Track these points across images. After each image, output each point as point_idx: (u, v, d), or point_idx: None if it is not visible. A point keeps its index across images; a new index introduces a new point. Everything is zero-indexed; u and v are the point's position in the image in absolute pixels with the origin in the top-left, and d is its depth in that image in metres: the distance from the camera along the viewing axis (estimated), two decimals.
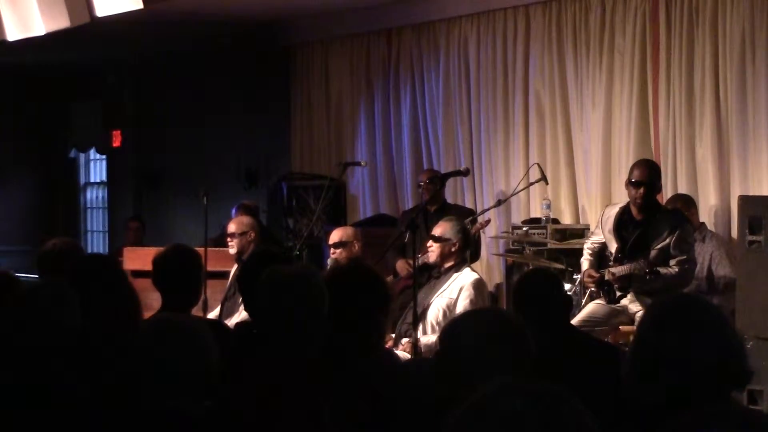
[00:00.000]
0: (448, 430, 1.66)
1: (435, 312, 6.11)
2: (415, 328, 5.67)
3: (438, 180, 7.72)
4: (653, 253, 6.18)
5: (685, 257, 6.21)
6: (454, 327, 2.73)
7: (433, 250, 6.26)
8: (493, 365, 2.55)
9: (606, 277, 6.34)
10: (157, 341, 2.97)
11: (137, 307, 4.21)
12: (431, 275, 6.45)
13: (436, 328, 5.99)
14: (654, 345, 2.43)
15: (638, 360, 2.45)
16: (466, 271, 6.24)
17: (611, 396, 2.96)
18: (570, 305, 4.75)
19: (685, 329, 2.41)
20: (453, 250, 6.25)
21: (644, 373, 2.43)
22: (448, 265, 6.27)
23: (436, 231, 6.33)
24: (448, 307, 6.08)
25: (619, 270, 6.31)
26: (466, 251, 6.38)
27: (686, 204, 7.07)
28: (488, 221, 7.82)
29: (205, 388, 2.97)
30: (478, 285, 6.21)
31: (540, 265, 7.24)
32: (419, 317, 5.96)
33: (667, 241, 6.17)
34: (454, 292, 6.12)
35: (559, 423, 1.62)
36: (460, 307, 6.05)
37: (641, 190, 6.25)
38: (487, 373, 2.51)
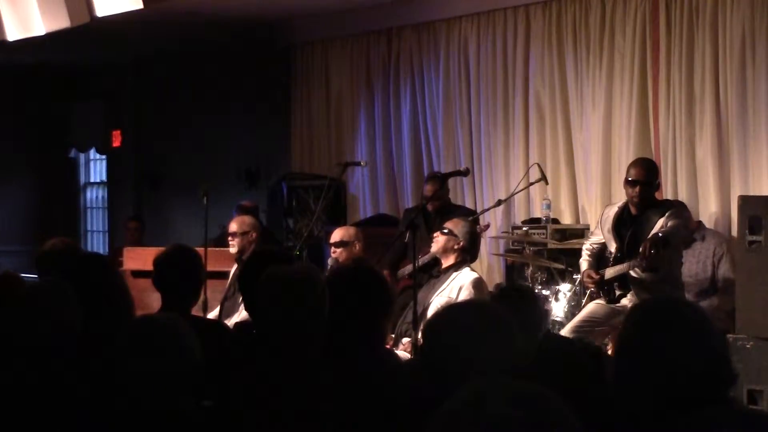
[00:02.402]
0: (434, 430, 1.65)
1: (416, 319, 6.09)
2: (416, 328, 5.67)
3: (439, 180, 7.72)
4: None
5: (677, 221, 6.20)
6: (435, 323, 2.70)
7: (438, 241, 6.27)
8: (477, 361, 2.53)
9: (606, 277, 6.35)
10: (137, 343, 2.97)
11: (132, 307, 4.21)
12: (431, 275, 6.45)
13: None
14: (640, 347, 2.42)
15: (625, 362, 2.45)
16: (466, 270, 6.24)
17: (595, 398, 2.94)
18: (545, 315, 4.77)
19: (671, 331, 2.41)
20: (456, 247, 6.26)
21: (631, 376, 2.42)
22: (447, 263, 6.27)
23: (449, 224, 6.36)
24: None
25: (609, 272, 6.32)
26: (468, 254, 6.38)
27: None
28: (488, 225, 7.81)
29: (191, 388, 2.97)
30: (478, 284, 6.21)
31: (541, 265, 7.24)
32: (419, 317, 5.96)
33: (660, 224, 6.17)
34: (454, 291, 6.12)
35: (545, 425, 1.62)
36: None
37: (637, 189, 6.27)
38: (470, 369, 2.49)
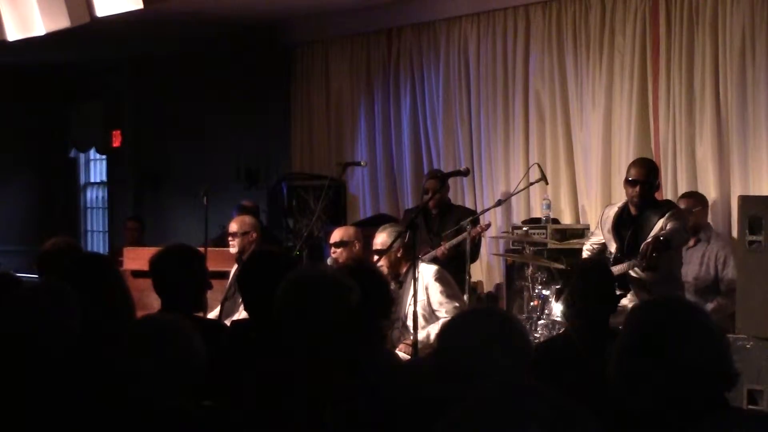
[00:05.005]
0: (447, 429, 1.66)
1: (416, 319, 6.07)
2: (415, 328, 5.67)
3: (439, 178, 7.73)
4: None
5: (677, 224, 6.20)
6: (452, 327, 2.73)
7: (382, 264, 6.22)
8: (492, 366, 2.55)
9: None
10: (138, 343, 2.97)
11: (132, 307, 4.21)
12: (399, 283, 6.42)
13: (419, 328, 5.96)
14: (642, 347, 2.42)
15: (626, 362, 2.44)
16: (421, 267, 6.20)
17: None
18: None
19: (673, 331, 2.41)
20: (399, 255, 6.26)
21: (633, 376, 2.42)
22: (403, 270, 6.27)
23: (376, 245, 6.33)
24: (423, 309, 6.06)
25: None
26: (409, 252, 6.32)
27: (698, 201, 7.09)
28: (488, 225, 7.80)
29: (192, 388, 2.97)
30: (440, 275, 6.21)
31: (541, 265, 7.23)
32: (403, 327, 6.00)
33: (660, 225, 6.18)
34: (421, 292, 6.10)
35: (564, 425, 1.62)
36: (435, 303, 6.13)
37: (638, 189, 6.27)
38: (485, 373, 2.50)
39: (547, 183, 7.95)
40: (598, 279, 4.38)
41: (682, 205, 7.05)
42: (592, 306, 4.31)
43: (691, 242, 6.97)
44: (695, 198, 7.14)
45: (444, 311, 6.11)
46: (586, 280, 4.38)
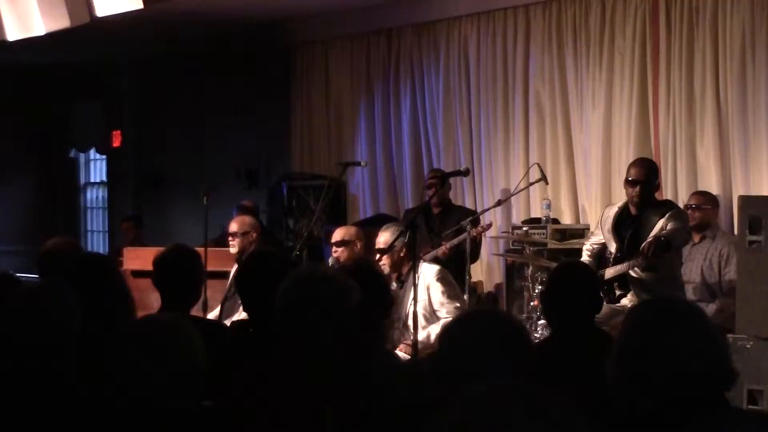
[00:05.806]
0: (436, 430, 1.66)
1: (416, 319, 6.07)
2: (415, 329, 5.67)
3: (440, 177, 7.75)
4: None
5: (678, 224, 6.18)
6: (453, 328, 2.73)
7: (384, 263, 6.21)
8: (493, 367, 2.55)
9: (606, 277, 6.35)
10: (138, 343, 2.97)
11: (132, 307, 4.22)
12: (401, 283, 6.43)
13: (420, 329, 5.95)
14: (640, 347, 2.42)
15: (625, 362, 2.44)
16: (423, 267, 6.19)
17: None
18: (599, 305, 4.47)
19: (670, 331, 2.41)
20: (402, 255, 6.25)
21: (631, 375, 2.42)
22: (405, 270, 6.27)
23: (379, 243, 6.31)
24: (424, 309, 6.06)
25: (609, 272, 6.31)
26: (411, 252, 6.31)
27: (709, 200, 7.08)
28: (489, 225, 7.81)
29: (192, 388, 2.96)
30: (441, 275, 6.21)
31: (541, 265, 7.24)
32: (403, 327, 6.00)
33: (660, 225, 6.18)
34: (422, 292, 6.09)
35: (547, 424, 1.62)
36: (436, 303, 6.12)
37: (638, 189, 6.28)
38: (486, 374, 2.50)
39: (547, 183, 7.95)
40: (568, 281, 4.24)
41: (692, 200, 7.06)
42: (568, 308, 4.15)
43: (696, 239, 6.97)
44: (706, 196, 7.14)
45: (445, 311, 6.11)
46: (555, 283, 4.27)
